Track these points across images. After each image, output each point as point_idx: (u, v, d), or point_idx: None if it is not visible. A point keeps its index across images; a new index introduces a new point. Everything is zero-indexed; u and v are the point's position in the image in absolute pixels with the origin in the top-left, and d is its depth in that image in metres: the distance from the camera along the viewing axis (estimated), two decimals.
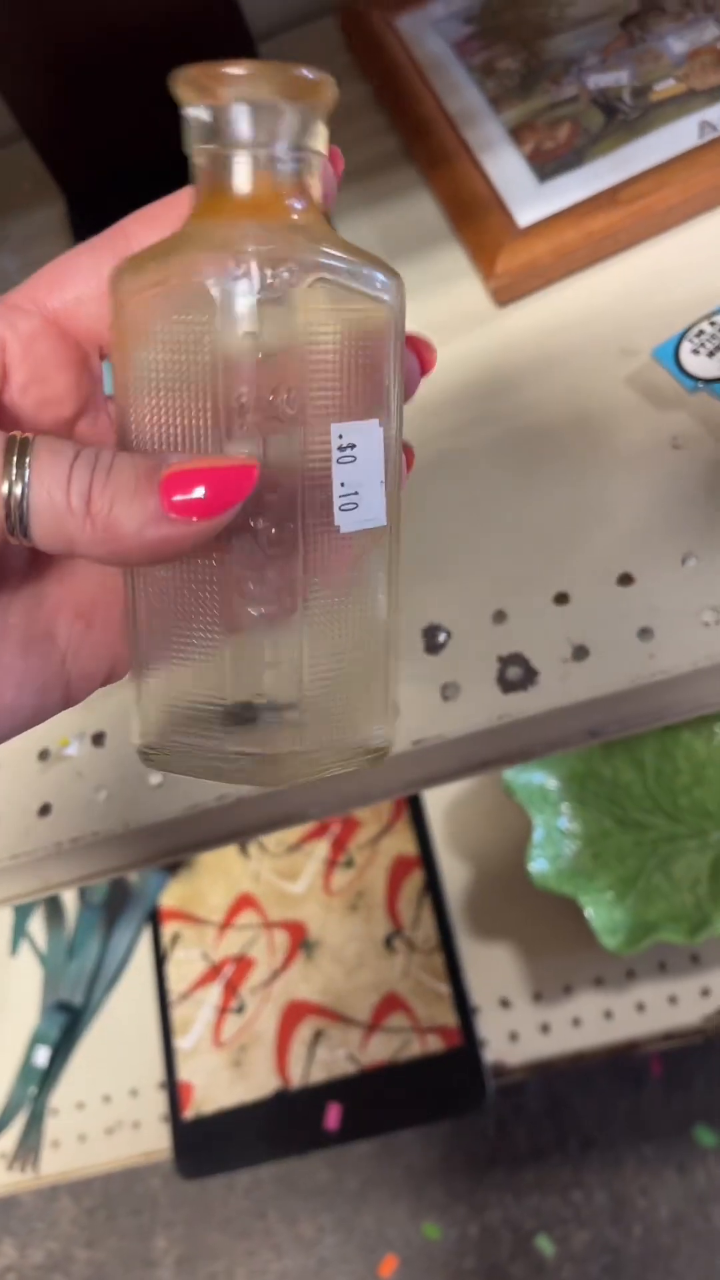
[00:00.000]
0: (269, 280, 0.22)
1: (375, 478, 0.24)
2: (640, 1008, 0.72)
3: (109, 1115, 0.76)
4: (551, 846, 0.70)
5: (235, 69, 0.22)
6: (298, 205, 0.23)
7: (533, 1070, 0.71)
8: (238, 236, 0.22)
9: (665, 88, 0.47)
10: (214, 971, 0.79)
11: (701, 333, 0.41)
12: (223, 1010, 0.77)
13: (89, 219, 0.55)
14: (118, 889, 0.82)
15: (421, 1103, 0.72)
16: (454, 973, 0.74)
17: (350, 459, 0.23)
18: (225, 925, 0.80)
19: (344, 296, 0.23)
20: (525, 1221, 0.81)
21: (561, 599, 0.39)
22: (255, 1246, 0.86)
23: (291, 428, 0.22)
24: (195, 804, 0.39)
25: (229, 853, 0.83)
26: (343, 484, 0.23)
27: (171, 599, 0.24)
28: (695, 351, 0.41)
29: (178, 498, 0.21)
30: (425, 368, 0.26)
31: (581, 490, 0.41)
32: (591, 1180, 0.82)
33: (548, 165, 0.47)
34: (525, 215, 0.46)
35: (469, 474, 0.43)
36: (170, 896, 0.82)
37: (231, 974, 0.78)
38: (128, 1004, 0.80)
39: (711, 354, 0.40)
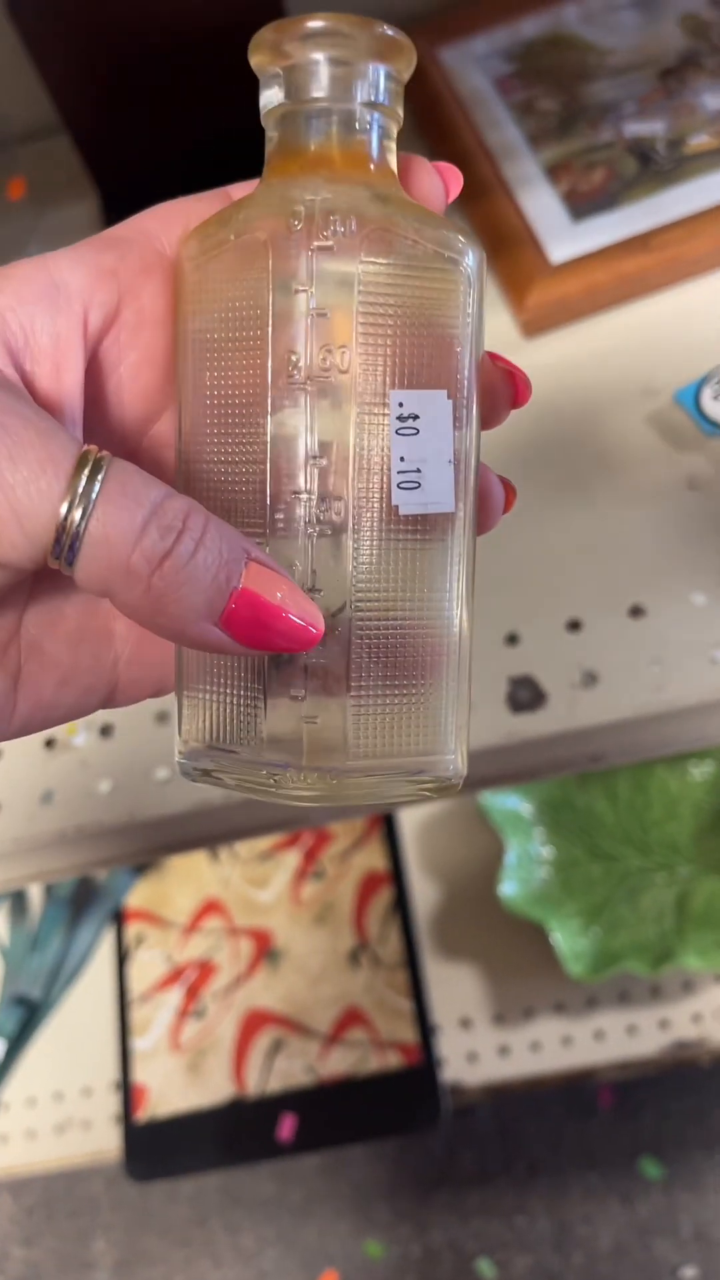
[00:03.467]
0: (326, 232, 0.20)
1: (441, 456, 0.21)
2: (599, 1036, 0.72)
3: (60, 1113, 0.76)
4: (523, 870, 0.71)
5: (312, 23, 0.21)
6: (370, 168, 0.22)
7: (489, 1093, 0.72)
8: (299, 192, 0.21)
9: (699, 141, 0.49)
10: (176, 974, 0.78)
11: None
12: (183, 1014, 0.77)
13: (121, 217, 0.55)
14: (84, 885, 0.82)
15: (376, 1119, 0.72)
16: (417, 990, 0.74)
17: (412, 431, 0.21)
18: (190, 929, 0.80)
19: (411, 255, 0.21)
20: (468, 1244, 0.81)
21: (574, 626, 0.40)
22: (194, 1255, 0.85)
23: (344, 391, 0.20)
24: (202, 800, 0.39)
25: (198, 856, 0.83)
26: (402, 458, 0.21)
27: None
28: (716, 397, 0.42)
29: (243, 618, 0.19)
30: (518, 398, 0.24)
31: (598, 522, 0.42)
32: (536, 1206, 0.82)
33: (582, 206, 0.48)
34: (558, 252, 0.47)
35: None
36: (136, 896, 0.82)
37: (194, 978, 0.78)
38: (87, 1002, 0.79)
39: None
